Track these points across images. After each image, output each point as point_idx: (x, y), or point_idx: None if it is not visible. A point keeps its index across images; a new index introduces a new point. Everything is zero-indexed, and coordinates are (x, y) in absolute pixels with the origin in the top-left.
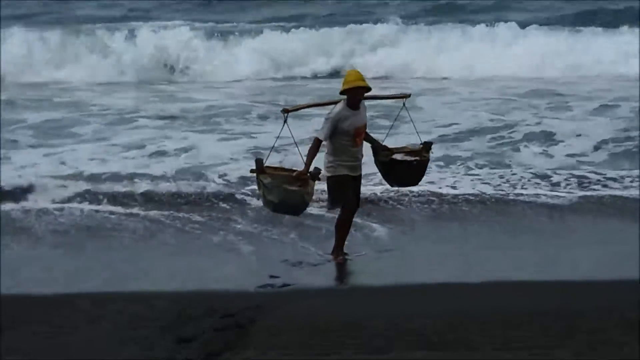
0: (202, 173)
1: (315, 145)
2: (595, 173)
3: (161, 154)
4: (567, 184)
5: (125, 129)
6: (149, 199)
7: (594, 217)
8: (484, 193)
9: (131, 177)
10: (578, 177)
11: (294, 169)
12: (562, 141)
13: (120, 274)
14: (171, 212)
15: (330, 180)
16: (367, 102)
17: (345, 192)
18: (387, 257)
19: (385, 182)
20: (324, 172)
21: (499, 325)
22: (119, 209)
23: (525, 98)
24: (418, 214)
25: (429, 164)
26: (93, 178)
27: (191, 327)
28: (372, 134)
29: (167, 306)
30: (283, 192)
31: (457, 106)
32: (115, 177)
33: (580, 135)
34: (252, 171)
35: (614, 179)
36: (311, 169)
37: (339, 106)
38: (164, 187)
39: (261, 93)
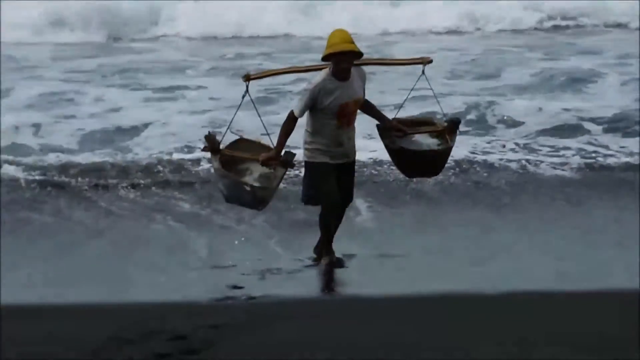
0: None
1: (289, 122)
2: None
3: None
4: None
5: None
6: (63, 171)
7: None
8: None
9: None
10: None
11: (269, 146)
12: None
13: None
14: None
15: (305, 167)
16: (371, 69)
17: (322, 185)
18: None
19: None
20: (301, 155)
21: None
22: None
23: None
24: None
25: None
26: None
27: (126, 353)
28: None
29: (89, 325)
30: (233, 185)
31: None
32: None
33: None
34: (204, 150)
35: None
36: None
37: (321, 75)
38: (80, 157)
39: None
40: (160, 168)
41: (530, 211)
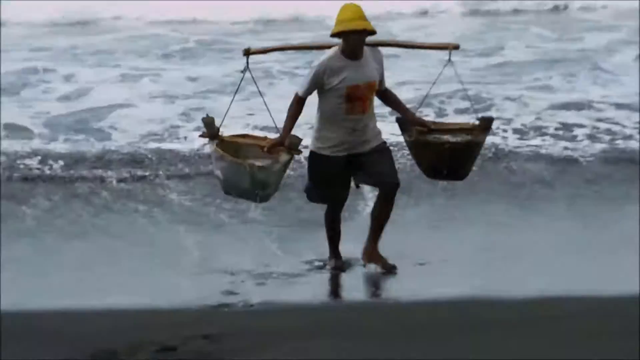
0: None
1: (294, 104)
2: None
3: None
4: None
5: None
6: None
7: None
8: None
9: None
10: None
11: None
12: None
13: None
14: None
15: (309, 157)
16: (388, 50)
17: (324, 182)
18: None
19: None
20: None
21: None
22: None
23: None
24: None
25: (482, 148)
26: None
27: None
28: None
29: (67, 334)
30: (229, 167)
31: None
32: None
33: None
34: (202, 136)
35: None
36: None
37: (329, 52)
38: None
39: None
40: (144, 156)
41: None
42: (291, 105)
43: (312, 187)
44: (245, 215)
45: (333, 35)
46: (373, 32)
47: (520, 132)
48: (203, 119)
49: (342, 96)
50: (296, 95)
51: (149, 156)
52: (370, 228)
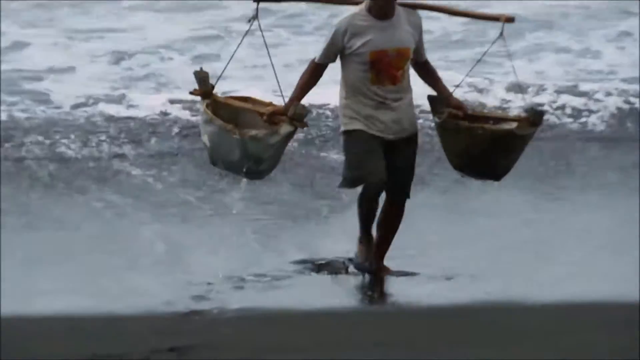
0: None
1: (308, 69)
2: None
3: None
4: None
5: None
6: None
7: None
8: None
9: None
10: None
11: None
12: None
13: None
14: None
15: (342, 138)
16: (427, 14)
17: (360, 158)
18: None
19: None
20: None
21: None
22: None
23: None
24: None
25: (526, 144)
26: None
27: None
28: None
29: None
30: (218, 134)
31: None
32: None
33: None
34: (193, 93)
35: None
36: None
37: (354, 9)
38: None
39: None
40: (98, 123)
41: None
42: (305, 72)
43: (348, 175)
44: (221, 203)
45: None
46: None
47: None
48: (196, 72)
49: (366, 63)
50: (312, 60)
51: (102, 124)
52: (376, 240)
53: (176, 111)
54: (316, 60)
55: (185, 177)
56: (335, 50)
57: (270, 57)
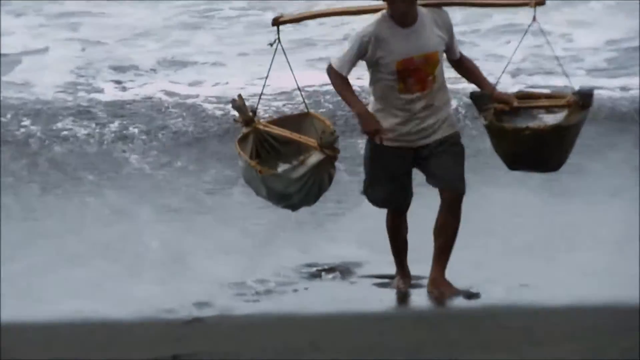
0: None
1: (338, 77)
2: None
3: None
4: None
5: None
6: None
7: None
8: None
9: None
10: None
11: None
12: None
13: None
14: None
15: (366, 145)
16: (454, 10)
17: (378, 179)
18: None
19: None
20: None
21: None
22: None
23: None
24: None
25: (579, 131)
26: None
27: None
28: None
29: None
30: (245, 166)
31: None
32: None
33: None
34: (236, 122)
35: None
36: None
37: (375, 17)
38: None
39: None
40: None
41: None
42: (335, 81)
43: (367, 188)
44: (224, 205)
45: None
46: None
47: None
48: (232, 101)
49: (393, 72)
50: (332, 69)
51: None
52: (434, 249)
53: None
54: (334, 66)
55: (184, 167)
56: (355, 59)
57: (295, 79)
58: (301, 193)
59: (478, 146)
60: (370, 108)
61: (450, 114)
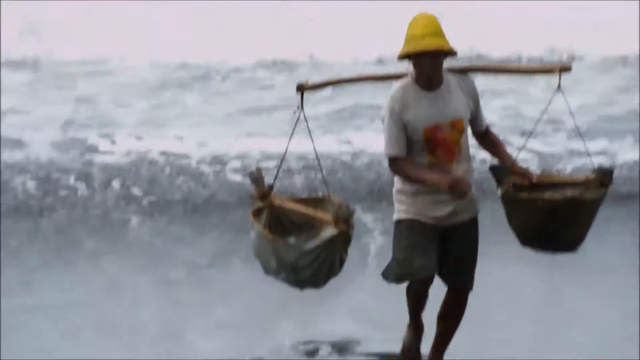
0: None
1: (399, 166)
2: None
3: None
4: None
5: None
6: None
7: None
8: None
9: None
10: None
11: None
12: None
13: None
14: None
15: (394, 227)
16: (479, 77)
17: (411, 255)
18: None
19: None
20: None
21: None
22: None
23: None
24: None
25: (596, 209)
26: None
27: None
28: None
29: None
30: (256, 237)
31: None
32: None
33: None
34: (252, 197)
35: None
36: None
37: (399, 82)
38: None
39: None
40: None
41: None
42: (402, 171)
43: (390, 266)
44: (213, 282)
45: (400, 58)
46: (452, 53)
47: None
48: (250, 173)
49: (420, 140)
50: (392, 161)
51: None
52: (436, 332)
53: None
54: (392, 154)
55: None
56: (403, 132)
57: (315, 149)
58: (311, 268)
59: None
60: (394, 181)
61: (474, 193)
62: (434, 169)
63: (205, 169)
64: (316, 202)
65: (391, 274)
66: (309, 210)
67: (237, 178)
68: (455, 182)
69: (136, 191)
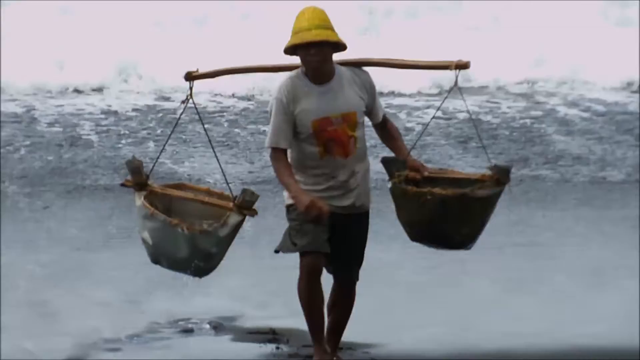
0: None
1: (279, 160)
2: None
3: None
4: None
5: None
6: None
7: None
8: None
9: None
10: None
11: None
12: None
13: None
14: None
15: (286, 212)
16: (376, 70)
17: (303, 228)
18: None
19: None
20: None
21: None
22: None
23: None
24: None
25: (489, 206)
26: None
27: None
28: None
29: None
30: (162, 229)
31: None
32: None
33: None
34: (125, 184)
35: None
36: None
37: (289, 75)
38: None
39: None
40: None
41: None
42: (276, 165)
43: (284, 240)
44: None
45: (286, 51)
46: (341, 46)
47: None
48: (128, 162)
49: (310, 134)
50: (271, 153)
51: None
52: (328, 327)
53: None
54: (274, 146)
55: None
56: (290, 125)
57: (209, 137)
58: (220, 255)
59: None
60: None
61: (369, 187)
62: (327, 162)
63: None
64: (181, 187)
65: (285, 246)
66: (204, 198)
67: None
68: (312, 205)
69: None
